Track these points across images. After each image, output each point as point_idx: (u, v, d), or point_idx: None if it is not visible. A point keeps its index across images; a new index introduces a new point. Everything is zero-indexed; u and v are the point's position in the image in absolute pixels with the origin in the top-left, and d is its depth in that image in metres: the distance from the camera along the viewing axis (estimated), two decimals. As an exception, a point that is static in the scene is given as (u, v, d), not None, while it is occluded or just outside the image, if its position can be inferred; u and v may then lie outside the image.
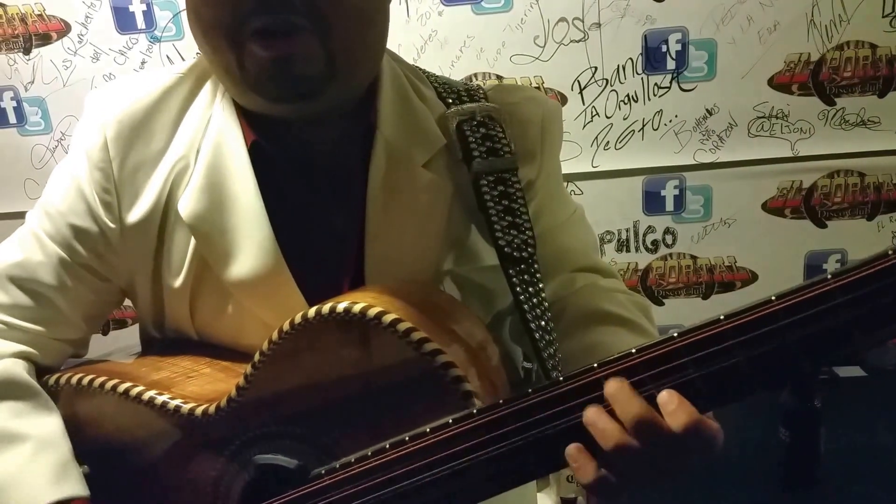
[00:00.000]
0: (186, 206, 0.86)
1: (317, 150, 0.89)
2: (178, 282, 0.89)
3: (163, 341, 0.97)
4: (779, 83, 1.96)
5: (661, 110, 2.00)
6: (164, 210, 0.87)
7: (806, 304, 0.57)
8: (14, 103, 2.07)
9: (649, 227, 2.09)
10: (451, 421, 0.70)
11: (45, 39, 2.03)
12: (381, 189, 0.88)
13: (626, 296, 0.98)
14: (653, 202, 2.07)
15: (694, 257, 2.12)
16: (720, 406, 0.63)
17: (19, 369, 0.88)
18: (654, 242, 2.11)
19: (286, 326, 0.77)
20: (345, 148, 0.89)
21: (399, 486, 0.72)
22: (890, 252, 0.54)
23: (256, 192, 0.86)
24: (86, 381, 0.89)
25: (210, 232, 0.86)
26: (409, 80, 0.94)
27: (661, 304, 2.16)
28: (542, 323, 0.85)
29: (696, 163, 2.03)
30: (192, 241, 0.87)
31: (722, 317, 0.60)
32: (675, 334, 0.61)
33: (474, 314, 0.87)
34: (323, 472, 0.77)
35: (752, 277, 2.12)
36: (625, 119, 2.01)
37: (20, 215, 2.11)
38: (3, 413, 0.86)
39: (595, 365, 0.64)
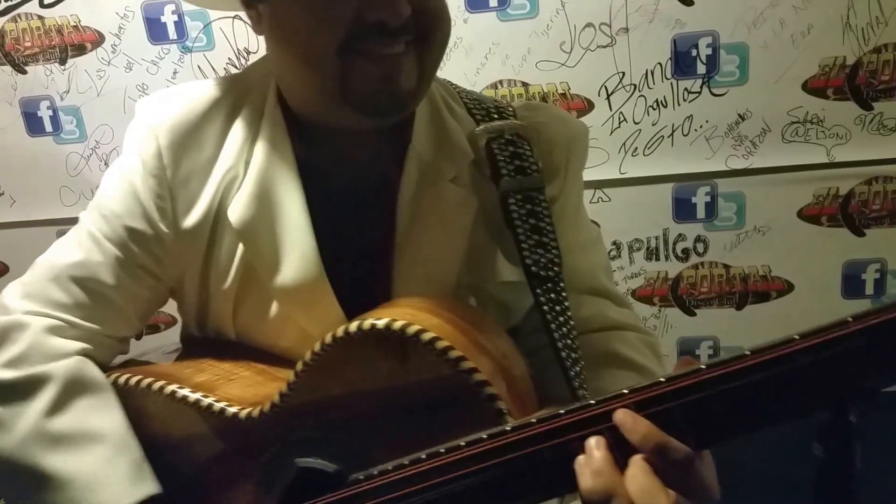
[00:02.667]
0: (236, 213, 0.90)
1: (358, 164, 0.93)
2: (224, 285, 0.92)
3: (202, 341, 1.00)
4: (813, 87, 1.91)
5: (691, 116, 1.96)
6: (216, 216, 0.91)
7: (827, 345, 0.58)
8: (50, 112, 2.12)
9: (680, 234, 2.05)
10: (485, 436, 0.71)
11: (80, 50, 2.07)
12: (411, 203, 0.91)
13: (638, 336, 1.00)
14: (683, 209, 2.03)
15: (727, 266, 2.07)
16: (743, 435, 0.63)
17: (88, 366, 0.91)
18: (685, 251, 2.06)
19: (328, 339, 0.80)
20: (382, 162, 0.93)
21: (432, 495, 0.74)
22: None
23: (303, 203, 0.90)
24: (134, 381, 0.92)
25: (258, 239, 0.90)
26: (441, 95, 0.97)
27: (692, 314, 2.11)
28: (569, 342, 0.86)
29: (728, 169, 1.99)
30: (240, 247, 0.91)
31: (748, 352, 0.60)
32: (704, 367, 0.61)
33: (504, 332, 0.88)
34: (361, 477, 0.78)
35: (787, 287, 2.06)
36: (653, 125, 1.98)
37: (56, 222, 2.17)
38: (78, 411, 0.88)
39: (626, 391, 0.65)
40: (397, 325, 0.77)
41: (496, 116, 0.97)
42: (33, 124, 2.13)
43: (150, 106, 0.93)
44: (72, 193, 2.17)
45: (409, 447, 0.76)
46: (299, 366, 0.83)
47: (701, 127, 1.97)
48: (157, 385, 0.91)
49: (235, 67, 2.02)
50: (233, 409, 0.87)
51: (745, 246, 2.05)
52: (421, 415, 0.78)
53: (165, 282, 0.97)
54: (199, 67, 2.05)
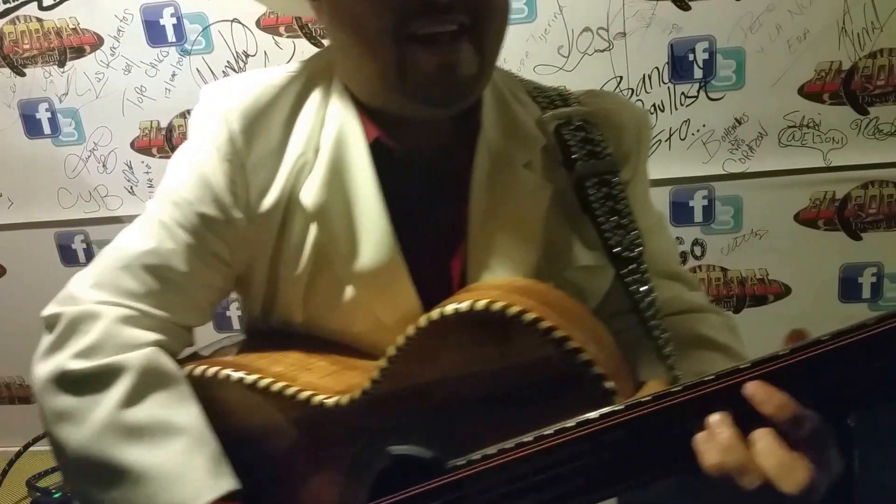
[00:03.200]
0: (310, 197, 0.89)
1: (428, 150, 0.91)
2: (296, 270, 0.91)
3: (267, 332, 0.99)
4: (810, 92, 1.93)
5: (688, 120, 1.97)
6: (288, 200, 0.90)
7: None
8: (49, 114, 2.12)
9: (677, 238, 2.06)
10: (595, 416, 0.70)
11: (79, 52, 2.08)
12: (484, 188, 0.90)
13: (718, 318, 1.00)
14: (681, 213, 2.04)
15: (724, 269, 2.08)
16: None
17: (163, 357, 0.90)
18: (683, 254, 2.07)
19: (423, 322, 0.78)
20: (452, 148, 0.92)
21: (539, 479, 0.73)
22: None
23: (377, 187, 0.89)
24: (211, 372, 0.90)
25: (332, 223, 0.89)
26: (504, 83, 0.97)
27: (690, 317, 2.12)
28: (657, 321, 0.86)
29: (725, 173, 2.00)
30: (313, 231, 0.90)
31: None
32: (825, 338, 0.62)
33: (591, 313, 0.88)
34: (461, 463, 0.77)
35: (784, 291, 2.07)
36: (651, 129, 1.99)
37: (54, 223, 2.17)
38: (155, 403, 0.86)
39: (740, 366, 0.65)
40: (497, 306, 0.75)
41: (560, 104, 0.96)
42: (32, 126, 2.14)
43: (218, 92, 0.93)
44: (70, 195, 2.18)
45: (509, 432, 0.75)
46: (391, 350, 0.81)
47: (698, 131, 1.98)
48: (236, 375, 0.89)
49: (234, 70, 2.03)
50: (320, 398, 0.85)
51: (742, 249, 2.06)
52: (521, 398, 0.76)
53: (235, 268, 0.95)
54: (197, 70, 2.05)
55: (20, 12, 2.07)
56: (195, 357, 0.98)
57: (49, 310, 0.92)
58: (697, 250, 2.07)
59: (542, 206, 0.92)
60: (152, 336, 0.90)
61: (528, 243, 0.91)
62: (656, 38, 1.93)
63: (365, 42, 0.83)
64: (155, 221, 0.92)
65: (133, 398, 0.85)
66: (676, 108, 1.97)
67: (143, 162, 2.13)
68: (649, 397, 0.68)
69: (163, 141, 2.11)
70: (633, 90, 1.96)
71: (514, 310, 0.75)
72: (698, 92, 1.96)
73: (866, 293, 2.04)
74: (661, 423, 0.68)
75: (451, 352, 0.79)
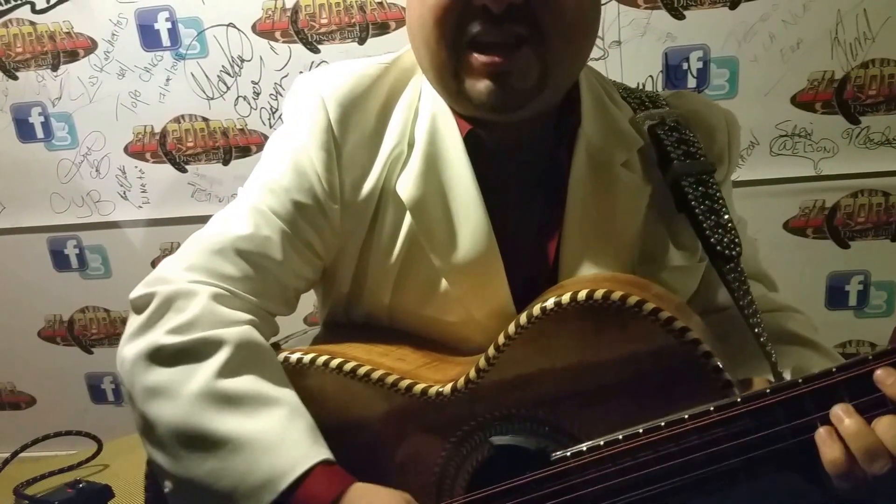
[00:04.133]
0: (406, 188, 0.90)
1: (524, 145, 0.92)
2: (388, 261, 0.92)
3: (349, 325, 0.99)
4: (802, 101, 1.94)
5: (681, 128, 1.98)
6: (382, 191, 0.91)
7: None
8: (42, 118, 2.11)
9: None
10: (712, 408, 0.70)
11: (72, 56, 2.07)
12: (582, 186, 0.91)
13: (803, 316, 1.03)
14: (673, 220, 2.05)
15: (715, 276, 2.09)
16: None
17: (258, 336, 0.89)
18: (674, 261, 2.08)
19: (536, 311, 0.78)
20: (549, 144, 0.93)
21: (649, 472, 0.73)
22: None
23: (473, 180, 0.89)
24: (307, 359, 0.90)
25: (428, 215, 0.90)
26: (599, 83, 0.99)
27: (681, 322, 2.13)
28: (757, 319, 0.86)
29: (717, 181, 2.01)
30: (407, 222, 0.90)
31: None
32: None
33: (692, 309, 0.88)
34: (569, 454, 0.77)
35: (774, 297, 2.09)
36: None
37: (46, 229, 2.16)
38: (253, 376, 0.85)
39: (869, 356, 0.68)
40: (616, 295, 0.75)
41: (650, 105, 0.98)
42: (24, 131, 2.12)
43: (315, 79, 0.93)
44: (62, 200, 2.16)
45: (620, 423, 0.74)
46: (501, 339, 0.81)
47: (691, 139, 1.99)
48: (334, 363, 0.89)
49: (229, 75, 2.02)
50: (421, 386, 0.85)
51: (732, 256, 2.07)
52: (634, 389, 0.76)
53: (325, 259, 0.96)
54: (192, 75, 2.04)
55: (13, 15, 2.04)
56: (278, 347, 0.97)
57: (137, 291, 0.90)
58: (689, 257, 2.08)
59: (640, 205, 0.93)
60: (247, 316, 0.90)
61: (624, 243, 0.92)
62: (651, 47, 1.94)
63: (426, 46, 0.84)
64: (250, 207, 0.92)
65: (231, 370, 0.84)
66: (670, 117, 1.98)
67: (136, 167, 2.12)
68: (767, 390, 0.69)
69: (156, 146, 2.10)
70: (627, 98, 1.97)
71: (633, 300, 0.75)
72: (692, 100, 1.97)
73: (853, 301, 2.06)
74: (782, 415, 0.69)
75: (563, 342, 0.78)
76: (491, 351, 0.81)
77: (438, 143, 0.91)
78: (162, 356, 0.85)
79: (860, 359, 0.68)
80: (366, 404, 0.88)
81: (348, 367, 0.88)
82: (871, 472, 0.66)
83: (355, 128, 0.91)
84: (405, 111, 0.92)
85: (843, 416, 0.67)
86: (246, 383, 0.84)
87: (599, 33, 1.90)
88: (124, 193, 2.15)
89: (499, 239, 0.90)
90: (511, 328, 0.80)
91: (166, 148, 2.10)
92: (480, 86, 0.82)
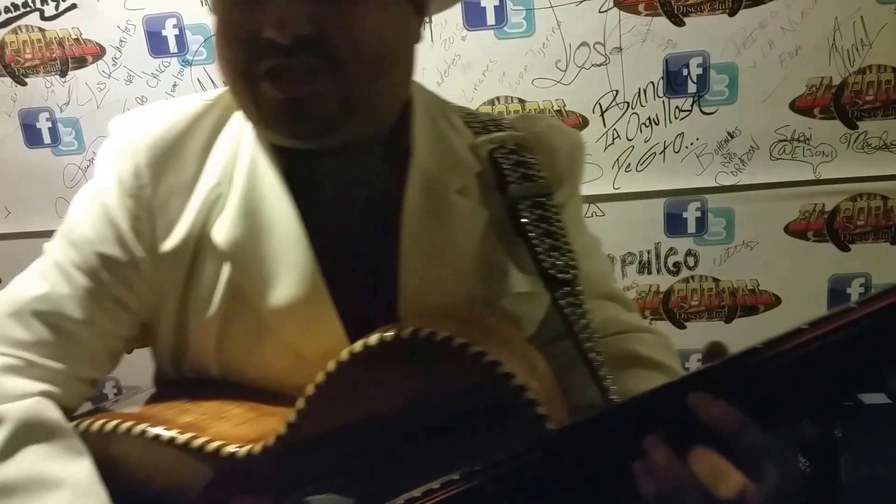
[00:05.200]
0: (222, 233, 0.84)
1: (352, 176, 0.87)
2: (208, 313, 0.85)
3: (180, 382, 0.93)
4: (801, 107, 1.97)
5: (682, 133, 2.01)
6: (198, 238, 0.85)
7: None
8: (49, 124, 2.13)
9: (671, 248, 2.10)
10: (534, 444, 0.68)
11: (80, 62, 2.09)
12: (416, 215, 0.87)
13: (654, 336, 0.99)
14: (674, 224, 2.08)
15: (716, 280, 2.12)
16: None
17: (48, 408, 0.83)
18: (676, 264, 2.11)
19: (344, 356, 0.74)
20: (380, 173, 0.88)
21: None
22: None
23: (295, 217, 0.84)
24: (110, 426, 0.84)
25: (247, 259, 0.84)
26: (438, 108, 0.94)
27: (682, 327, 2.15)
28: (592, 345, 0.84)
29: (717, 185, 2.04)
30: (226, 270, 0.84)
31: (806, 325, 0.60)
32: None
33: (523, 338, 0.87)
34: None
35: (775, 301, 2.12)
36: (646, 142, 2.03)
37: (51, 234, 2.17)
38: (35, 456, 0.80)
39: (674, 381, 0.66)
40: (423, 332, 0.71)
41: (493, 128, 0.94)
42: (32, 136, 2.14)
43: (126, 124, 0.87)
44: (68, 205, 2.16)
45: (439, 467, 0.71)
46: (310, 389, 0.76)
47: (692, 144, 2.02)
48: (138, 429, 0.82)
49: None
50: (230, 448, 0.79)
51: (733, 260, 2.10)
52: (451, 429, 0.72)
53: (139, 315, 0.89)
54: (198, 81, 2.07)
55: (22, 22, 2.07)
56: (97, 411, 0.91)
57: None
58: (690, 261, 2.11)
59: (476, 233, 0.89)
60: (39, 387, 0.84)
61: (462, 272, 0.89)
62: (651, 53, 1.98)
63: (227, 80, 0.81)
64: (51, 264, 0.86)
65: (7, 452, 0.79)
66: (671, 122, 2.01)
67: (142, 171, 2.13)
68: (581, 419, 0.68)
69: (163, 151, 2.11)
70: (628, 104, 2.01)
71: (442, 335, 0.71)
72: (692, 106, 2.00)
73: (855, 303, 2.08)
74: (598, 447, 0.67)
75: (376, 386, 0.74)
76: (300, 403, 0.77)
77: (257, 181, 0.85)
78: None
79: (676, 381, 0.66)
80: (177, 469, 0.82)
81: (152, 432, 0.82)
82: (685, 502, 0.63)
83: (169, 172, 0.84)
84: (227, 150, 0.86)
85: (652, 447, 0.64)
86: (24, 466, 0.79)
87: (600, 40, 1.96)
88: (130, 199, 2.16)
89: (331, 276, 0.85)
90: (321, 376, 0.75)
91: (172, 153, 2.11)
92: (278, 114, 0.77)
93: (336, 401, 0.75)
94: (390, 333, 0.72)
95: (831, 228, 2.04)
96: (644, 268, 2.12)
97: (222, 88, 0.90)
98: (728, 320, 2.14)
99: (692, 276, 2.12)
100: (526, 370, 0.75)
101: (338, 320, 0.84)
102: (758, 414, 0.62)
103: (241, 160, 0.86)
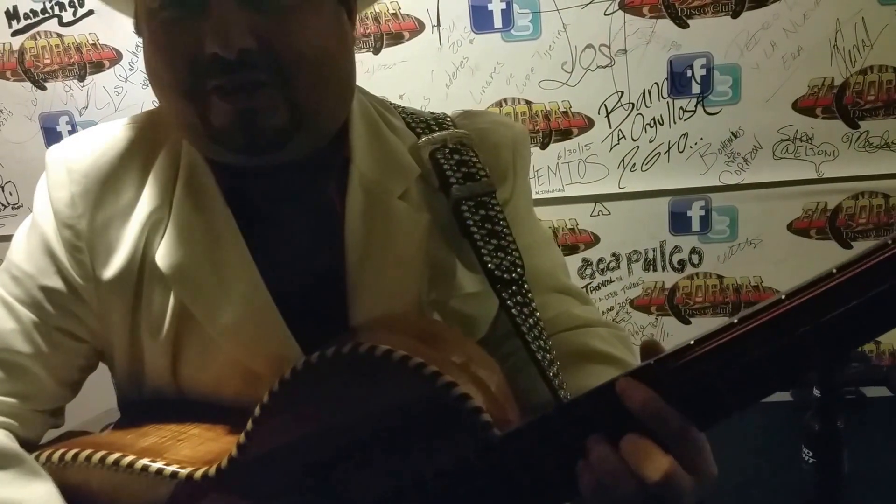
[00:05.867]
0: (164, 257, 0.83)
1: (291, 189, 0.86)
2: (159, 337, 0.84)
3: (142, 404, 0.92)
4: (803, 107, 2.00)
5: (686, 133, 2.05)
6: (141, 264, 0.84)
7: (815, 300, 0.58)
8: (69, 127, 2.17)
9: (676, 246, 2.13)
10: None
11: (98, 67, 2.14)
12: (360, 223, 0.86)
13: (608, 330, 0.97)
14: (679, 222, 2.11)
15: (720, 277, 2.15)
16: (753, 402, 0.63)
17: (3, 438, 0.83)
18: (681, 262, 2.14)
19: (287, 375, 0.73)
20: (320, 185, 0.87)
21: None
22: (889, 242, 0.56)
23: (238, 236, 0.84)
24: (69, 455, 0.83)
25: (193, 282, 0.83)
26: (378, 111, 0.93)
27: (688, 322, 2.19)
28: (541, 342, 0.83)
29: (721, 184, 2.07)
30: (172, 294, 0.83)
31: (735, 320, 0.61)
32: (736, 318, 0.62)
33: (472, 341, 0.86)
34: None
35: (778, 297, 2.14)
36: (651, 142, 2.06)
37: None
38: None
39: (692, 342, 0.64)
40: (364, 347, 0.70)
41: (436, 128, 0.93)
42: (52, 139, 2.18)
43: (60, 152, 0.86)
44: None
45: (392, 480, 0.72)
46: (257, 410, 0.75)
47: (696, 144, 2.05)
48: (96, 456, 0.82)
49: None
50: (185, 471, 0.78)
51: (737, 258, 2.13)
52: (401, 441, 0.72)
53: (90, 343, 0.88)
54: (213, 84, 2.11)
55: (41, 28, 2.11)
56: (62, 438, 0.91)
57: None
58: (695, 258, 2.14)
59: (420, 237, 0.88)
60: None
61: (409, 277, 0.88)
62: (656, 55, 2.00)
63: (168, 101, 0.79)
64: None
65: None
66: (675, 122, 2.04)
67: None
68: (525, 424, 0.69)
69: (179, 153, 2.16)
70: (633, 104, 2.04)
71: (382, 349, 0.70)
72: (696, 106, 2.03)
73: (856, 300, 2.11)
74: (541, 450, 0.68)
75: (321, 403, 0.74)
76: (249, 424, 0.76)
77: (198, 202, 0.84)
78: None
79: (610, 380, 0.66)
80: (138, 495, 0.81)
81: (110, 459, 0.81)
82: (620, 494, 0.63)
83: (106, 200, 0.83)
84: (165, 171, 0.85)
85: (592, 445, 0.65)
86: None
87: (605, 42, 1.99)
88: (147, 199, 2.21)
89: (279, 291, 0.84)
90: (266, 396, 0.74)
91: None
92: (230, 128, 0.75)
93: (283, 419, 0.75)
94: (331, 350, 0.72)
95: (834, 226, 2.07)
96: (650, 265, 2.16)
97: (150, 109, 0.91)
98: (732, 316, 2.16)
99: (697, 274, 2.16)
100: (470, 377, 0.75)
101: (288, 334, 0.84)
102: (692, 409, 0.62)
103: (179, 182, 0.85)
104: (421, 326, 0.84)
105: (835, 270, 0.58)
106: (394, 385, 0.71)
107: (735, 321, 0.61)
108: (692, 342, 0.62)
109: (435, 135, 0.91)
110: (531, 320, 0.84)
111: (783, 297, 0.59)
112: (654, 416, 0.63)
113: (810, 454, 1.63)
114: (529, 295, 0.86)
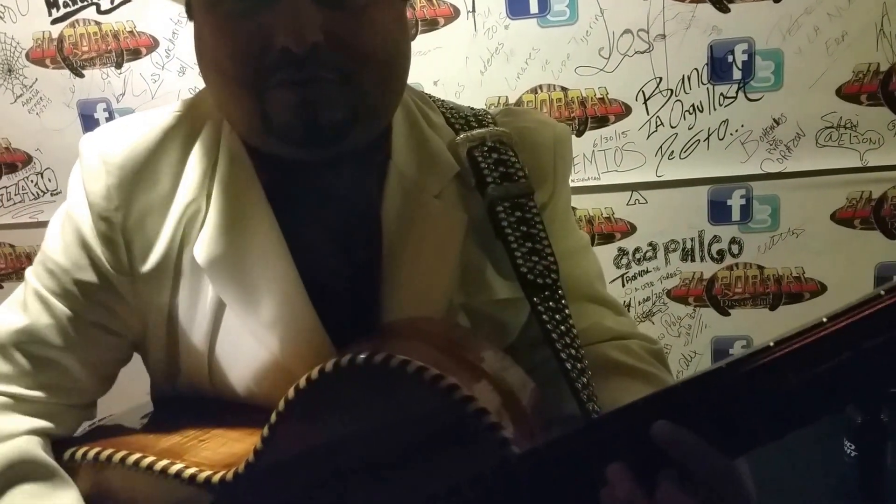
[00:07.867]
0: (202, 250, 0.81)
1: (332, 185, 0.85)
2: (195, 331, 0.84)
3: (176, 399, 0.92)
4: (847, 93, 1.95)
5: (726, 120, 2.01)
6: (178, 256, 0.82)
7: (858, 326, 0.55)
8: (106, 114, 2.19)
9: (715, 236, 2.09)
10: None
11: (135, 54, 2.15)
12: (396, 221, 0.85)
13: (641, 344, 0.95)
14: (718, 211, 2.07)
15: (761, 267, 2.11)
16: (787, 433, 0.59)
17: (34, 447, 0.83)
18: (720, 252, 2.10)
19: (302, 383, 0.72)
20: (360, 182, 0.86)
21: None
22: None
23: (276, 231, 0.82)
24: (92, 454, 0.84)
25: (230, 276, 0.82)
26: (418, 107, 0.92)
27: (727, 314, 2.15)
28: (573, 351, 0.81)
29: (763, 172, 2.03)
30: (210, 288, 0.83)
31: (772, 343, 0.58)
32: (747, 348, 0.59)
33: (501, 350, 0.84)
34: None
35: (820, 289, 2.10)
36: (690, 129, 2.02)
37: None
38: (21, 496, 0.80)
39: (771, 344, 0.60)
40: (379, 357, 0.68)
41: (475, 125, 0.92)
42: (90, 126, 2.20)
43: (95, 142, 0.83)
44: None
45: (408, 493, 0.70)
46: (273, 416, 0.74)
47: (736, 131, 2.01)
48: (118, 456, 0.82)
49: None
50: (204, 475, 0.77)
51: (779, 248, 2.08)
52: (416, 455, 0.70)
53: (126, 336, 0.88)
54: (248, 71, 2.12)
55: (79, 16, 2.14)
56: (94, 433, 0.91)
57: None
58: (735, 249, 2.10)
59: (455, 238, 0.86)
60: (28, 424, 0.83)
61: (442, 277, 0.86)
62: (696, 40, 1.97)
63: (227, 92, 0.78)
64: (31, 293, 0.85)
65: None
66: (715, 109, 2.01)
67: (195, 160, 2.20)
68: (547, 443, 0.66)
69: (214, 140, 2.17)
70: (672, 91, 2.00)
71: (397, 360, 0.68)
72: (737, 93, 1.99)
73: (903, 291, 2.06)
74: (561, 471, 0.65)
75: (336, 411, 0.72)
76: (265, 430, 0.75)
77: (236, 194, 0.82)
78: None
79: (645, 399, 0.62)
80: (158, 496, 0.81)
81: (131, 459, 0.81)
82: None
83: (143, 190, 0.81)
84: (202, 162, 0.83)
85: (615, 477, 0.61)
86: None
87: (644, 27, 1.96)
88: (183, 186, 2.22)
89: (314, 288, 0.83)
90: (281, 403, 0.73)
91: (223, 142, 2.17)
92: (291, 121, 0.75)
93: (300, 426, 0.74)
94: (346, 358, 0.70)
95: (878, 216, 2.02)
96: (688, 255, 2.12)
97: (187, 99, 0.89)
98: (773, 307, 2.13)
99: (736, 264, 2.11)
100: (496, 390, 0.73)
101: (323, 332, 0.83)
102: (721, 435, 0.59)
103: (218, 173, 0.83)
104: (447, 334, 0.83)
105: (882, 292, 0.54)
106: (409, 397, 0.70)
107: (771, 344, 0.57)
108: (724, 365, 0.58)
109: (474, 132, 0.90)
110: (562, 327, 0.83)
111: (825, 319, 0.57)
112: (689, 456, 0.59)
113: (852, 447, 1.60)
114: (563, 301, 0.85)
